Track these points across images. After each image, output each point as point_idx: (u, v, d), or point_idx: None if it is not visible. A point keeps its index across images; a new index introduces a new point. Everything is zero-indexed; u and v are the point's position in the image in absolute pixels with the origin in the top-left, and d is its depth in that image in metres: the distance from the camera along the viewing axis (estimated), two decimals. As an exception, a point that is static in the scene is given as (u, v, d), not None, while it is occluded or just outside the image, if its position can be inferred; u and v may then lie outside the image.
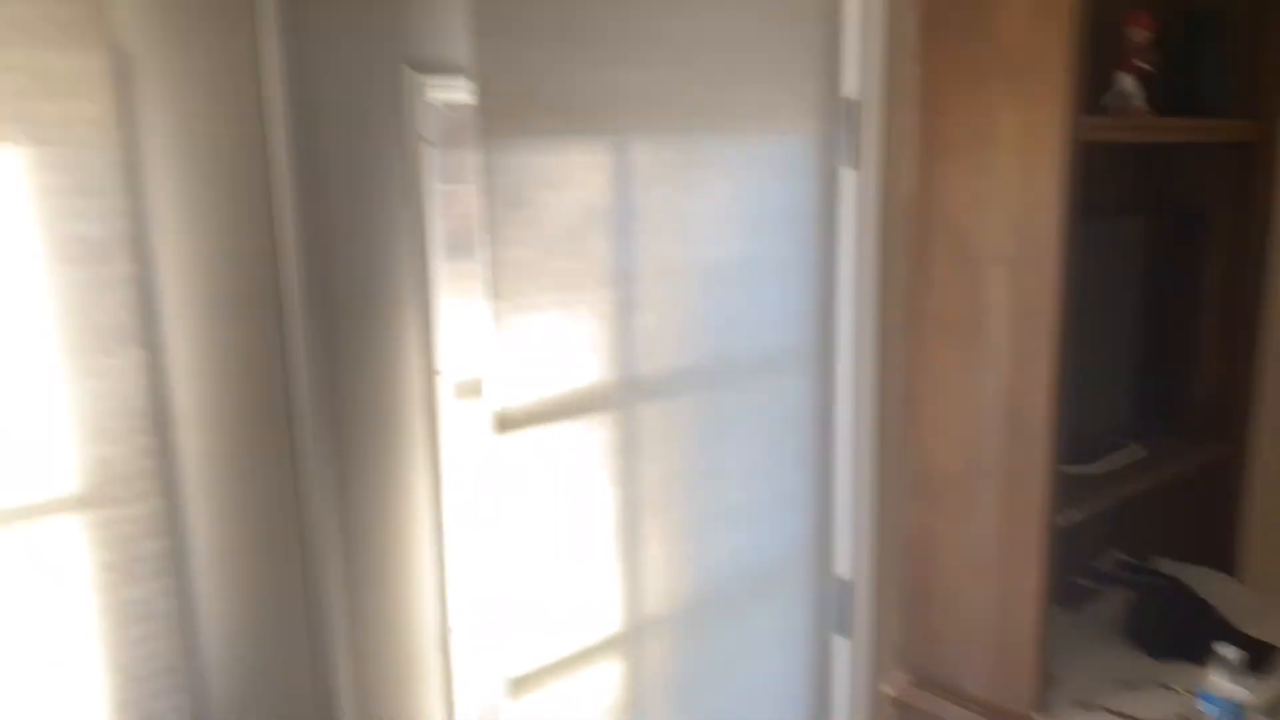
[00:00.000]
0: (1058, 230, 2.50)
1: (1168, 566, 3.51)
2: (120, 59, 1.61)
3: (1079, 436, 2.82)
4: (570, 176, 2.09)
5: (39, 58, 1.48)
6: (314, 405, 1.92)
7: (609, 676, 2.36)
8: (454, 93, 2.11)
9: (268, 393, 1.87)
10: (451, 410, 2.16)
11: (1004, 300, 2.68)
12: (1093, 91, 2.70)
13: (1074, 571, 3.39)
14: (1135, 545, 3.62)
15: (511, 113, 1.97)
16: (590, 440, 2.21)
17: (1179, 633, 2.98)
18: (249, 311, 1.83)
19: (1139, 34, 2.89)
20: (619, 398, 2.25)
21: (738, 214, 2.38)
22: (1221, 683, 2.74)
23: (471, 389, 2.22)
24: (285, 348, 1.88)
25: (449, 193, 2.17)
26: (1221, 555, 3.53)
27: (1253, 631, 2.98)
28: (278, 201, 1.83)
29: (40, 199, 1.51)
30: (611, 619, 2.33)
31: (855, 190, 2.77)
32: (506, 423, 2.07)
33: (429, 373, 2.10)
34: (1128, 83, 2.85)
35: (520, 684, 2.20)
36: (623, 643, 2.37)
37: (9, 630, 1.56)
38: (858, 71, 2.71)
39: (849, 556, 2.98)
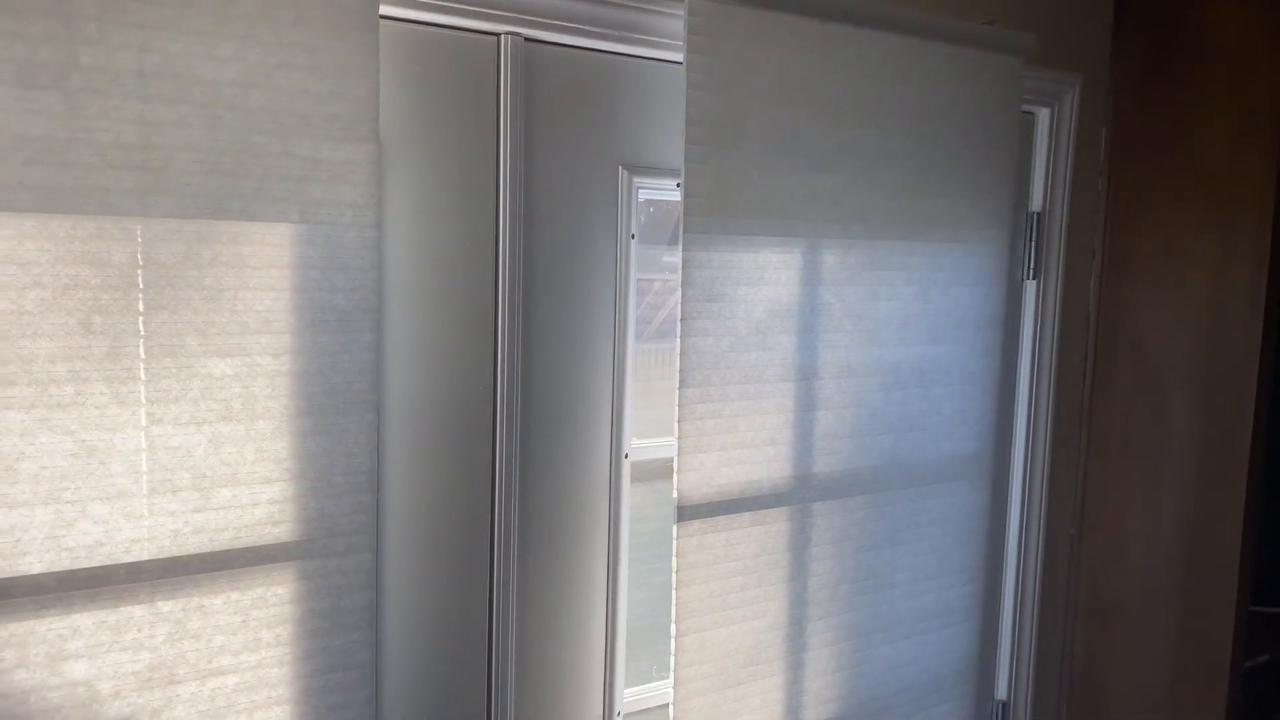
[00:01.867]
0: (1256, 354, 2.42)
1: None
2: (383, 151, 1.79)
3: (1272, 573, 2.66)
4: (763, 274, 2.16)
5: (318, 148, 1.65)
6: (512, 477, 2.01)
7: (763, 777, 2.32)
8: (656, 193, 2.22)
9: (475, 461, 1.97)
10: (632, 491, 2.22)
11: (1191, 423, 2.59)
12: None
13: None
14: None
15: (713, 212, 2.07)
16: (765, 534, 2.23)
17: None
18: (466, 381, 1.95)
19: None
20: (795, 494, 2.27)
21: (920, 318, 2.40)
22: None
23: (654, 472, 2.28)
24: (494, 421, 1.99)
25: (642, 283, 2.28)
26: None
27: None
28: (502, 288, 1.96)
29: (302, 271, 1.66)
30: None
31: (1036, 301, 2.75)
32: (687, 510, 2.11)
33: (617, 455, 2.17)
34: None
35: (678, 774, 2.19)
36: (779, 744, 2.33)
37: (219, 662, 1.67)
38: (1044, 185, 2.72)
39: (1008, 678, 2.86)
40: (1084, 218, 2.78)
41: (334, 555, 1.74)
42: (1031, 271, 2.73)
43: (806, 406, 2.26)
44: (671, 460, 2.10)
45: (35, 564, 1.50)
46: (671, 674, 2.13)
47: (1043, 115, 2.72)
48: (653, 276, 2.30)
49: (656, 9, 2.03)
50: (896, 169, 2.31)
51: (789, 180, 2.16)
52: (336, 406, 1.72)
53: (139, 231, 1.53)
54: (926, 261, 2.40)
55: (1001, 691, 2.84)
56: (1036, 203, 2.72)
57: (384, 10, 1.77)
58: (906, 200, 2.34)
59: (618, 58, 2.08)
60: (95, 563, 1.54)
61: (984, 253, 2.50)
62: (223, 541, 1.64)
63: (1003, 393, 2.68)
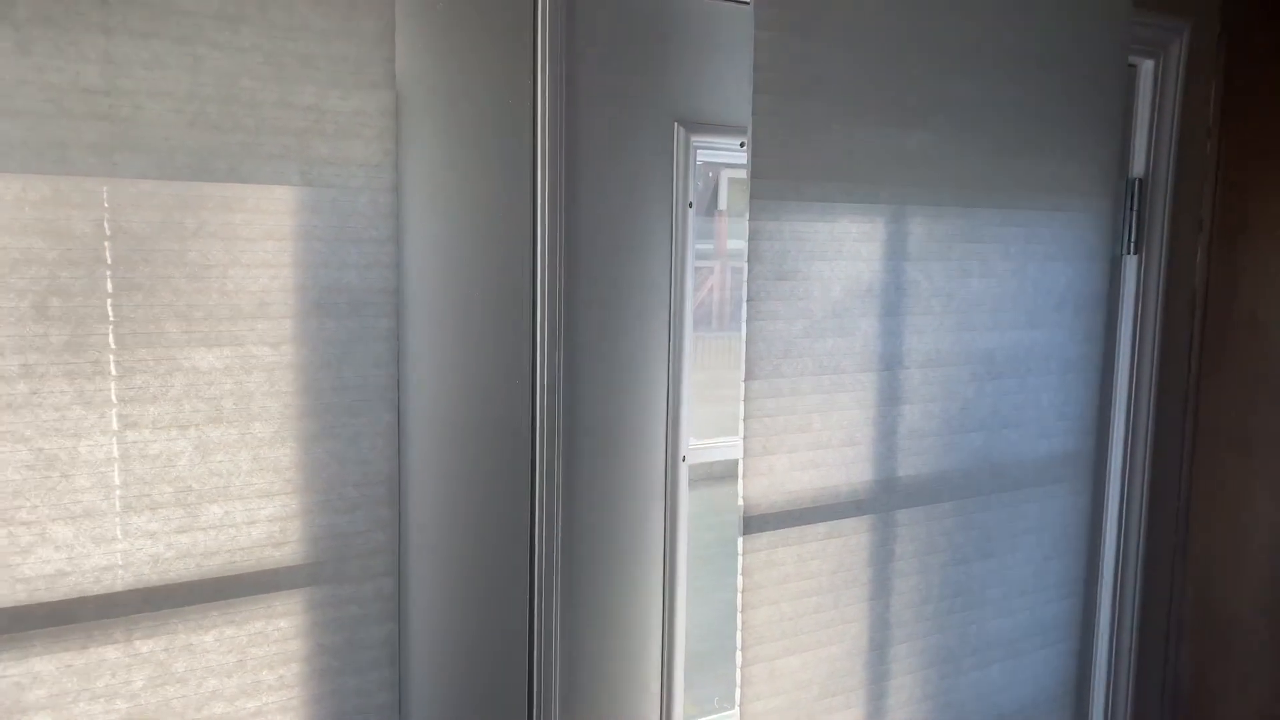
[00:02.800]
0: (1407, 336, 2.10)
1: None
2: (399, 101, 1.51)
3: None
4: (841, 247, 1.86)
5: (323, 95, 1.37)
6: (554, 484, 1.73)
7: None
8: (717, 153, 1.93)
9: (511, 467, 1.70)
10: (691, 496, 1.93)
11: (1325, 415, 2.27)
12: None
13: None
14: None
15: (785, 174, 1.77)
16: (843, 547, 1.94)
17: None
18: (499, 374, 1.67)
19: None
20: (876, 501, 1.98)
21: (1016, 298, 2.10)
22: None
23: (717, 474, 2.00)
24: (534, 418, 1.71)
25: (700, 262, 1.99)
26: None
27: None
28: (540, 264, 1.67)
29: (304, 244, 1.39)
30: (848, 755, 2.01)
31: (1137, 278, 2.43)
32: (755, 520, 1.82)
33: (674, 457, 1.89)
34: None
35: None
36: (857, 783, 2.05)
37: (211, 710, 1.40)
38: (1147, 147, 2.40)
39: (1104, 703, 2.56)
40: (1191, 183, 2.46)
41: (347, 581, 1.47)
42: (1132, 245, 2.41)
43: (890, 400, 1.97)
44: (736, 462, 1.82)
45: (-16, 599, 1.23)
46: (737, 708, 1.85)
47: (1145, 68, 2.40)
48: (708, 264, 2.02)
49: (718, -64, 1.74)
50: (993, 125, 2.01)
51: (872, 137, 1.86)
52: (348, 405, 1.45)
53: (105, 195, 1.26)
54: (1024, 233, 2.10)
55: (1098, 718, 2.54)
56: (1138, 167, 2.41)
57: (400, -67, 1.49)
58: (1003, 161, 2.04)
59: (672, -5, 1.79)
60: (58, 595, 1.28)
61: (1086, 223, 2.19)
62: (213, 567, 1.37)
63: (1104, 382, 2.36)
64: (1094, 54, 2.14)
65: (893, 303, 1.95)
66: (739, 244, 1.78)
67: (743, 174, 1.81)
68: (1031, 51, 2.03)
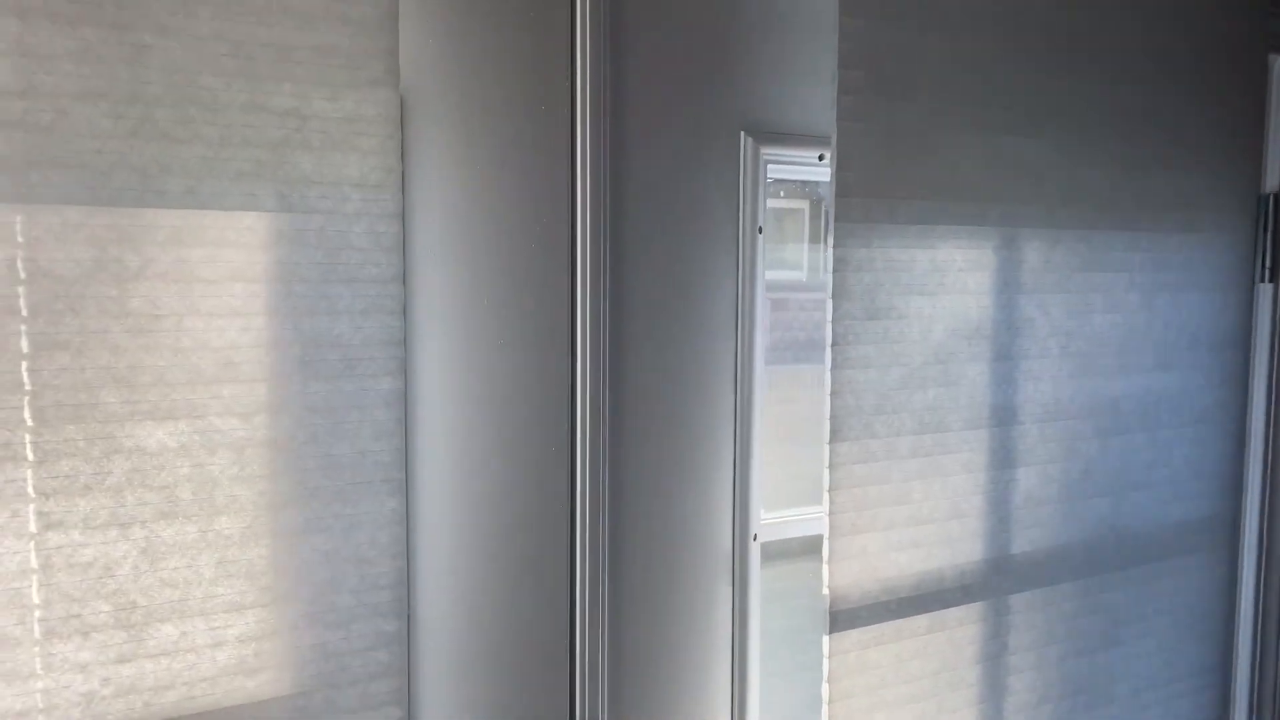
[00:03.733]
0: None
1: None
2: (405, 105, 1.21)
3: None
4: (943, 279, 1.55)
5: (306, 96, 1.08)
6: (599, 570, 1.41)
7: None
8: (792, 169, 1.62)
9: (548, 559, 1.38)
10: (761, 577, 1.61)
11: None
12: None
13: None
14: None
15: (875, 191, 1.46)
16: (947, 643, 1.61)
17: None
18: (534, 447, 1.36)
19: None
20: (987, 584, 1.64)
21: (1144, 336, 1.77)
22: None
23: (793, 550, 1.67)
24: (573, 495, 1.39)
25: (776, 295, 1.67)
26: None
27: None
28: (580, 304, 1.36)
29: (282, 286, 1.09)
30: None
31: (1271, 309, 2.08)
32: (843, 616, 1.49)
33: (742, 535, 1.56)
34: None
35: None
36: None
37: None
38: (1281, 158, 2.06)
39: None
40: (1333, 199, 2.11)
41: (343, 715, 1.15)
42: (1268, 272, 2.06)
43: (1002, 462, 1.64)
44: (818, 538, 1.49)
45: None
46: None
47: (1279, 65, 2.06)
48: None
49: (794, -94, 1.44)
50: (1115, 132, 1.69)
51: (977, 145, 1.55)
52: (340, 490, 1.14)
53: (18, 226, 0.96)
54: (1152, 259, 1.77)
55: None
56: (1272, 181, 2.06)
57: (406, -103, 1.19)
58: (1127, 176, 1.72)
59: (739, -20, 1.50)
60: (-44, 755, 0.97)
61: (1221, 245, 1.87)
62: (165, 706, 1.07)
63: (1242, 433, 2.01)
64: (1229, 51, 1.81)
65: (1004, 345, 1.62)
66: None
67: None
68: (1158, 45, 1.71)
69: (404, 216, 1.19)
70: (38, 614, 1.00)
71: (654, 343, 1.47)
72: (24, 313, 0.98)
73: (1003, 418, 1.63)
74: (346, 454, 1.15)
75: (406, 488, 1.21)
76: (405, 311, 1.20)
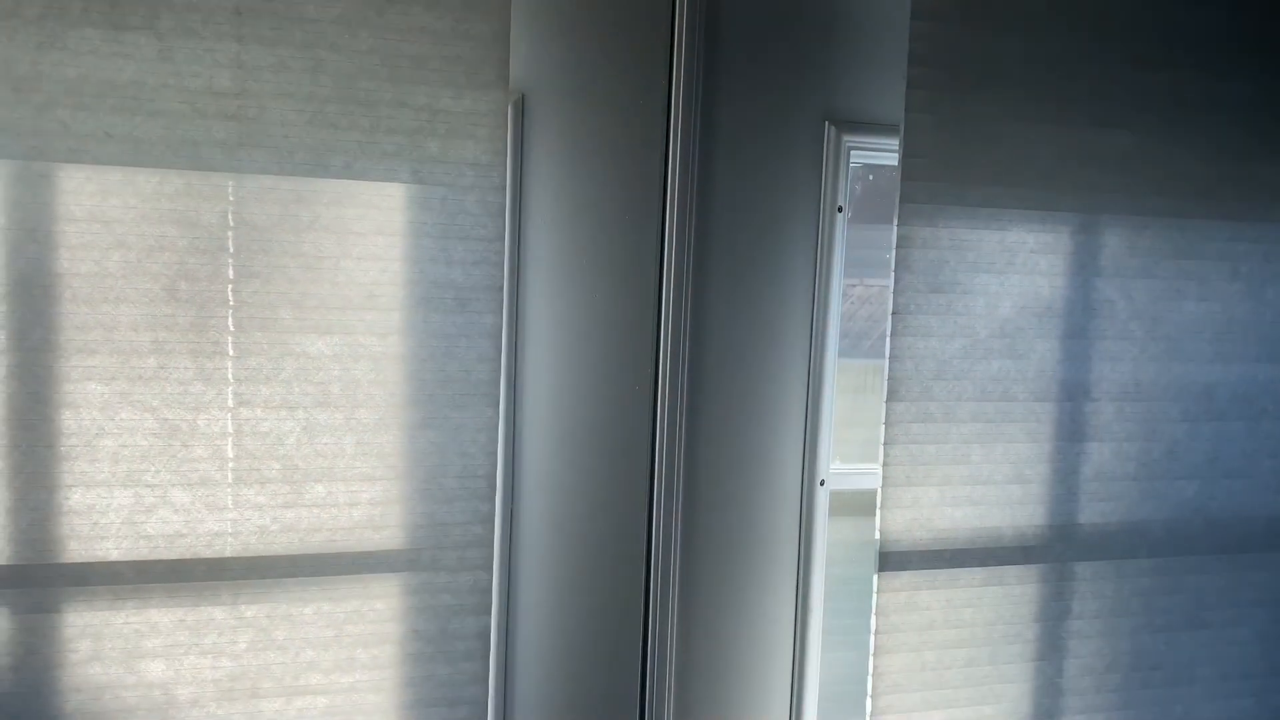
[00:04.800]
0: None
1: None
2: (516, 102, 1.52)
3: None
4: (1013, 259, 1.66)
5: (436, 96, 1.41)
6: (673, 502, 1.67)
7: None
8: (876, 155, 1.79)
9: (628, 477, 1.66)
10: (833, 526, 1.80)
11: None
12: None
13: None
14: None
15: (943, 175, 1.61)
16: (1004, 597, 1.73)
17: None
18: (618, 381, 1.64)
19: None
20: (1050, 548, 1.74)
21: (1248, 326, 1.78)
22: None
23: (856, 505, 1.85)
24: (654, 428, 1.66)
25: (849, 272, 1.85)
26: None
27: None
28: (667, 269, 1.63)
29: (414, 240, 1.43)
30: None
31: None
32: (894, 557, 1.66)
33: (810, 480, 1.76)
34: None
35: None
36: None
37: (307, 680, 1.47)
38: None
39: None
40: None
41: (443, 570, 1.50)
42: None
43: (1071, 435, 1.73)
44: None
45: (112, 550, 1.37)
46: (867, 758, 1.69)
47: None
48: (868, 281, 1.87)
49: (876, -80, 1.61)
50: (1216, 121, 1.71)
51: (1055, 135, 1.65)
52: (451, 398, 1.47)
53: (230, 189, 1.36)
54: (1261, 250, 1.77)
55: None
56: None
57: (528, -65, 1.51)
58: (1231, 165, 1.73)
59: (827, -13, 1.69)
60: (175, 555, 1.39)
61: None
62: (315, 544, 1.44)
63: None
64: (1372, 35, 1.76)
65: (1079, 324, 1.71)
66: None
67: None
68: (1259, 30, 1.71)
69: (507, 189, 1.50)
70: (230, 465, 1.40)
71: (735, 313, 1.69)
72: (231, 250, 1.38)
73: (1074, 393, 1.71)
74: (456, 371, 1.48)
75: (504, 402, 1.54)
76: (505, 263, 1.51)
